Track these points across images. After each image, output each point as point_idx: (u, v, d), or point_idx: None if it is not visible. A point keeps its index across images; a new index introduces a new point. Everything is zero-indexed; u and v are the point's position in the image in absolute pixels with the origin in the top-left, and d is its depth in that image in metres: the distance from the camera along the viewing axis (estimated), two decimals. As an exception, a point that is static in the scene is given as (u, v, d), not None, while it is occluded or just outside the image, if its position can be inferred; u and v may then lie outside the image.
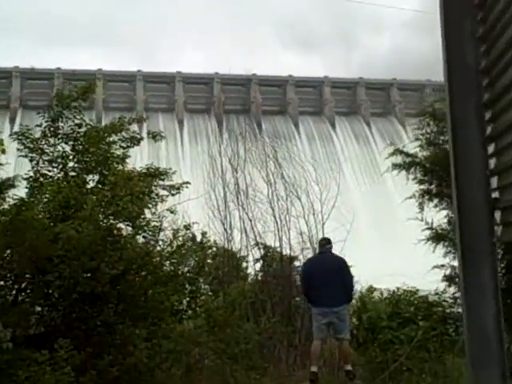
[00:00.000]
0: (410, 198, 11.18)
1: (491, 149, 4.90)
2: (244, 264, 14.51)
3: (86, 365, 6.57)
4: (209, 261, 15.52)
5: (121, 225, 8.33)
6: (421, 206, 11.00)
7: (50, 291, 7.23)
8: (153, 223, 9.27)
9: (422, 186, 10.93)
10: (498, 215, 4.71)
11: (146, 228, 9.06)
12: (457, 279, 10.92)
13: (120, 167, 9.40)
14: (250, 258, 13.78)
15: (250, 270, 14.00)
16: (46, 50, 74.53)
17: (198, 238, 16.15)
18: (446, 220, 10.54)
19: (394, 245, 37.46)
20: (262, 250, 12.78)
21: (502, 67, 3.25)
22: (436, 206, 10.56)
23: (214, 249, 15.52)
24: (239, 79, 49.37)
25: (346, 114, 50.76)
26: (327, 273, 9.19)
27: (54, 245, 7.11)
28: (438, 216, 11.07)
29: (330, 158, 40.40)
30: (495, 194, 4.74)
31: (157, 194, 9.88)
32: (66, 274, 6.84)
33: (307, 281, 9.33)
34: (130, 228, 8.55)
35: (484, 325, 4.49)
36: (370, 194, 43.62)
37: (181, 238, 8.45)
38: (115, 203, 7.42)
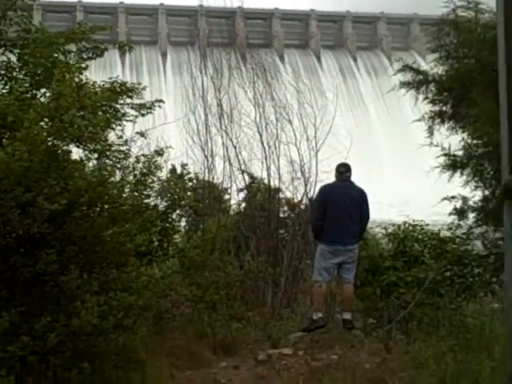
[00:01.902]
0: (419, 120, 9.39)
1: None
2: (227, 196, 12.87)
3: (18, 328, 4.79)
4: (189, 193, 13.83)
5: (73, 148, 6.43)
6: (430, 130, 9.22)
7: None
8: (116, 147, 7.40)
9: (434, 107, 9.10)
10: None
11: (107, 153, 7.19)
12: (469, 213, 9.24)
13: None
14: (234, 190, 12.04)
15: (233, 202, 12.29)
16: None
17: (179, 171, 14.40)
18: (461, 145, 8.78)
19: (384, 175, 36.00)
20: (246, 180, 10.95)
21: None
22: (451, 128, 8.76)
23: (195, 181, 13.77)
24: (224, 12, 46.32)
25: (331, 48, 48.37)
26: (347, 205, 7.32)
27: (-21, 172, 5.23)
28: (449, 141, 9.31)
29: (315, 91, 38.40)
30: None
31: (123, 114, 7.96)
32: (-9, 210, 4.99)
33: (322, 211, 7.40)
34: (85, 153, 6.66)
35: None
36: (354, 128, 41.82)
37: (149, 165, 6.53)
38: (58, 118, 5.47)
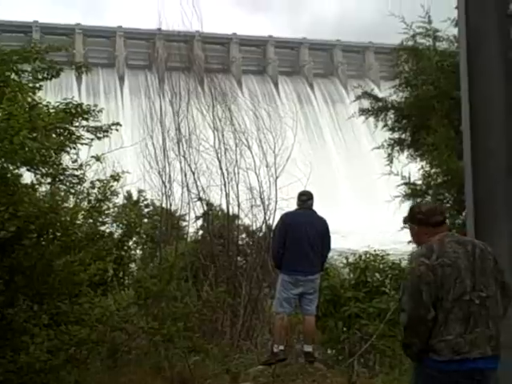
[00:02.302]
0: (378, 148, 9.35)
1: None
2: (184, 223, 12.62)
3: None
4: (145, 220, 13.50)
5: (24, 172, 6.13)
6: (390, 158, 9.19)
7: None
8: (70, 171, 7.11)
9: (394, 135, 9.09)
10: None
11: (61, 177, 6.90)
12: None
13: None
14: (192, 216, 11.80)
15: (191, 230, 12.03)
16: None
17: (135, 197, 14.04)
18: (420, 174, 8.76)
19: (341, 203, 36.19)
20: (204, 207, 10.73)
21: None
22: (411, 156, 8.74)
23: (152, 207, 13.46)
24: (182, 36, 46.28)
25: (289, 74, 48.78)
26: (308, 234, 7.13)
27: None
28: (409, 170, 9.31)
29: (272, 118, 38.51)
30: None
31: (78, 137, 7.66)
32: None
33: (282, 239, 7.18)
34: (37, 177, 6.35)
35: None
36: (311, 155, 42.07)
37: (104, 191, 6.25)
38: (9, 140, 5.18)
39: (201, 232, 11.71)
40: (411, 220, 3.89)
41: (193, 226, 11.77)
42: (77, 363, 5.19)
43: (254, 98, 44.75)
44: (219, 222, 11.61)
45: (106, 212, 6.25)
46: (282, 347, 7.09)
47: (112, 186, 6.33)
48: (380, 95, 9.89)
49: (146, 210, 13.91)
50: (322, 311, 7.98)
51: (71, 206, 6.08)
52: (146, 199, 13.78)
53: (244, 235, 11.97)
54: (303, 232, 7.14)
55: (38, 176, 6.00)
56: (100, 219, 6.12)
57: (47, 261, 5.08)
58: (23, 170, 6.22)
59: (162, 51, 45.65)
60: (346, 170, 40.95)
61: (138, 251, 9.54)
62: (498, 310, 3.62)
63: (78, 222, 5.60)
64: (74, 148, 7.16)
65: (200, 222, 12.04)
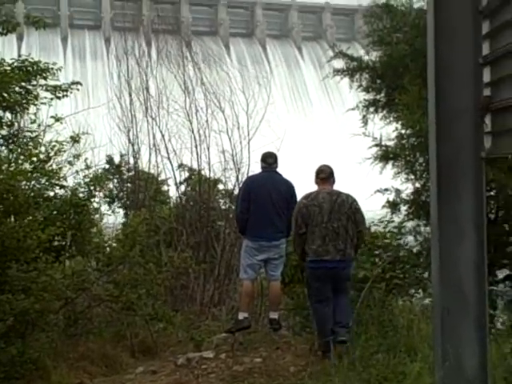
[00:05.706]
0: (353, 109, 8.97)
1: (486, 27, 3.13)
2: (166, 187, 12.38)
3: None
4: (128, 184, 13.22)
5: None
6: (364, 120, 8.81)
7: None
8: (25, 133, 6.76)
9: (368, 96, 8.71)
10: (488, 120, 3.30)
11: (14, 139, 6.55)
12: (401, 206, 8.91)
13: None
14: (169, 181, 11.53)
15: (173, 195, 11.76)
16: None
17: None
18: (394, 135, 8.41)
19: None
20: (175, 169, 10.39)
21: None
22: (385, 117, 8.37)
23: (131, 173, 13.13)
24: (169, -3, 45.32)
25: (277, 37, 47.87)
26: (272, 198, 6.77)
27: None
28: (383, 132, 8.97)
29: (254, 79, 37.68)
30: (487, 92, 3.24)
31: (35, 96, 7.27)
32: None
33: (246, 204, 6.83)
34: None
35: (460, 269, 3.40)
36: (299, 119, 41.58)
37: (46, 150, 5.87)
38: None
39: (174, 197, 11.43)
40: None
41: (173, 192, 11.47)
42: (20, 334, 4.89)
43: (242, 61, 44.06)
44: (197, 187, 11.30)
45: (54, 173, 5.88)
46: (246, 314, 6.81)
47: (56, 145, 5.93)
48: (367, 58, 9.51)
49: (128, 173, 13.61)
50: (288, 277, 7.69)
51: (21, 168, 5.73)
52: (128, 163, 13.46)
53: (225, 200, 11.69)
54: (267, 196, 6.81)
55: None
56: (44, 181, 5.74)
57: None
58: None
59: (149, 13, 44.68)
60: (329, 132, 40.42)
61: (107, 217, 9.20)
62: (346, 235, 6.02)
63: (21, 184, 5.23)
64: (27, 108, 6.79)
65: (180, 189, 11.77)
